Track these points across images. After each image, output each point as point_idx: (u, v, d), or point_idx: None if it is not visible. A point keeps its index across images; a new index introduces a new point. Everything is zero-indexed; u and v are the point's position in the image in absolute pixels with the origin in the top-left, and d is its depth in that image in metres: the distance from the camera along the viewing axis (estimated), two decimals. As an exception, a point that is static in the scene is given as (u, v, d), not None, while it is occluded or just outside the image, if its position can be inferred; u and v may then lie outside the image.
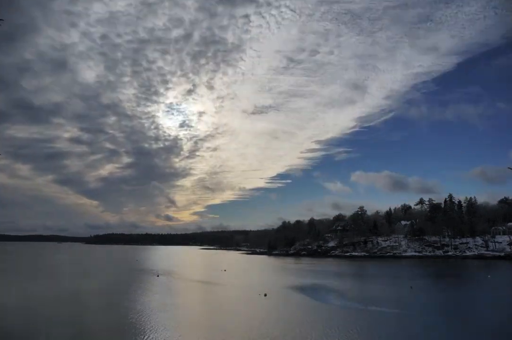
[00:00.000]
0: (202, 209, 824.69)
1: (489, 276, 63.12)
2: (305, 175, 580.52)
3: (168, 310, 33.80)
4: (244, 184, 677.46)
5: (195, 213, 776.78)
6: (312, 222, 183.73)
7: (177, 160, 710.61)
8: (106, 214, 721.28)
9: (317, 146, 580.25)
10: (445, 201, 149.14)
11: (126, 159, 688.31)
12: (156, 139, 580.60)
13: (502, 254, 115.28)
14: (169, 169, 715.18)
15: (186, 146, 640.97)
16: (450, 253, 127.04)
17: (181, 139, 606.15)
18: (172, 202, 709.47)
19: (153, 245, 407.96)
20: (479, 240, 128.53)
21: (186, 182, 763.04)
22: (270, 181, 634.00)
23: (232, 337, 24.97)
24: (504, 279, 65.92)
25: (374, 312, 34.25)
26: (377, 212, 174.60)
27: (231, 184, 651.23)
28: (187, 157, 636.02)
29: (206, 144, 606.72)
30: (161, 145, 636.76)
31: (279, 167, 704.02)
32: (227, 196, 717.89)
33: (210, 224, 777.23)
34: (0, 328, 26.84)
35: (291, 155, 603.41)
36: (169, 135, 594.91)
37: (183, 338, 24.50)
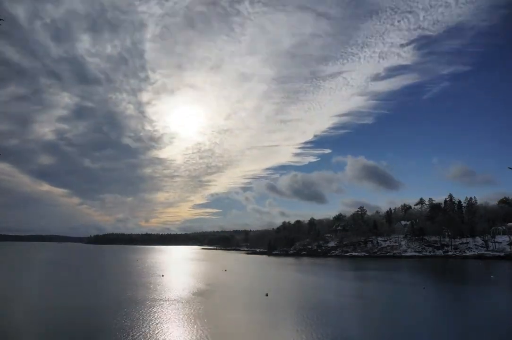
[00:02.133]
0: (203, 201, 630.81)
1: (492, 276, 63.15)
2: (359, 138, 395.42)
3: (170, 310, 33.81)
4: (259, 159, 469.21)
5: (194, 207, 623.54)
6: (312, 222, 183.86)
7: (146, 97, 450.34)
8: (85, 209, 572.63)
9: (406, 57, 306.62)
10: (445, 201, 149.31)
11: (63, 97, 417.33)
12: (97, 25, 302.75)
13: (502, 254, 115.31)
14: (141, 123, 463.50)
15: (156, 53, 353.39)
16: (450, 253, 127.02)
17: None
18: (163, 191, 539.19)
19: (153, 245, 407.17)
20: (479, 240, 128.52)
21: (174, 152, 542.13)
22: (300, 151, 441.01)
23: (233, 337, 24.97)
24: (507, 279, 65.98)
25: (379, 312, 34.30)
26: (377, 212, 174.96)
27: (241, 160, 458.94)
28: (168, 92, 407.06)
29: (200, 55, 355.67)
30: (111, 63, 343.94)
31: (322, 122, 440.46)
32: (236, 179, 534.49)
33: (211, 222, 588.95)
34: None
35: (351, 87, 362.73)
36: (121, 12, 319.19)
37: (183, 338, 24.52)
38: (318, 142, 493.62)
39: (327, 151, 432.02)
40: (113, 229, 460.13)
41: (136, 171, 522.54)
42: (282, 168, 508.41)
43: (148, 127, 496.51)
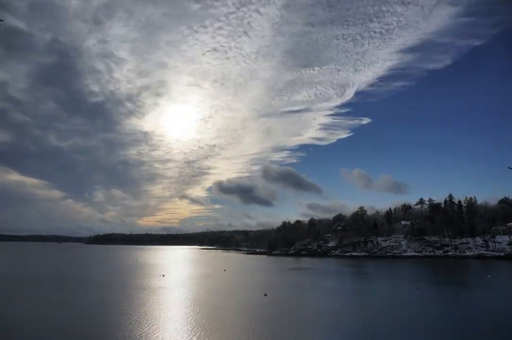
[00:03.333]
0: (202, 195, 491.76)
1: (488, 276, 63.08)
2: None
3: (169, 310, 33.88)
4: (272, 134, 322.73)
5: (192, 202, 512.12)
6: (312, 222, 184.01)
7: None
8: (71, 204, 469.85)
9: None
10: (445, 201, 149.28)
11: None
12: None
13: (502, 254, 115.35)
14: (106, 63, 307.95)
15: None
16: (450, 253, 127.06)
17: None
18: (155, 182, 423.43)
19: (153, 245, 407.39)
20: (479, 240, 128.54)
21: (161, 123, 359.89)
22: (329, 120, 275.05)
23: (231, 337, 24.97)
24: (504, 280, 65.91)
25: (376, 312, 34.34)
26: (377, 212, 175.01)
27: (246, 135, 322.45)
28: None
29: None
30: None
31: (375, 65, 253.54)
32: (240, 166, 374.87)
33: (211, 220, 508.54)
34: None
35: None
36: None
37: (182, 338, 24.56)
38: (357, 105, 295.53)
39: (366, 120, 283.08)
40: (109, 229, 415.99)
41: (117, 152, 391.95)
42: (303, 149, 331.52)
43: (116, 74, 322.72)
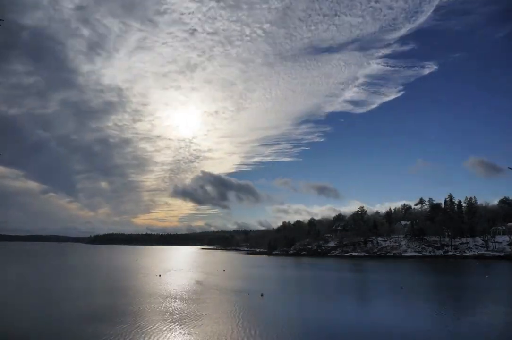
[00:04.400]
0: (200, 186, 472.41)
1: (487, 276, 62.84)
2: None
3: (168, 309, 33.76)
4: (293, 93, 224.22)
5: (191, 197, 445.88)
6: (312, 222, 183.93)
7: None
8: (54, 199, 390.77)
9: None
10: (445, 201, 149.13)
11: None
12: None
13: (502, 254, 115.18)
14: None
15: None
16: (450, 253, 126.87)
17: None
18: (145, 169, 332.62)
19: (153, 245, 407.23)
20: (479, 240, 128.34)
21: (138, 70, 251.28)
22: (378, 69, 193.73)
23: (228, 337, 24.87)
24: (502, 280, 65.64)
25: (369, 312, 34.29)
26: (377, 212, 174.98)
27: (254, 95, 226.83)
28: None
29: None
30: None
31: None
32: (247, 147, 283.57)
33: (212, 218, 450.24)
34: None
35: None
36: None
37: (181, 337, 24.45)
38: (428, 36, 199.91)
39: (429, 68, 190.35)
40: (106, 230, 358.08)
41: (88, 124, 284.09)
42: (332, 119, 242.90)
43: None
